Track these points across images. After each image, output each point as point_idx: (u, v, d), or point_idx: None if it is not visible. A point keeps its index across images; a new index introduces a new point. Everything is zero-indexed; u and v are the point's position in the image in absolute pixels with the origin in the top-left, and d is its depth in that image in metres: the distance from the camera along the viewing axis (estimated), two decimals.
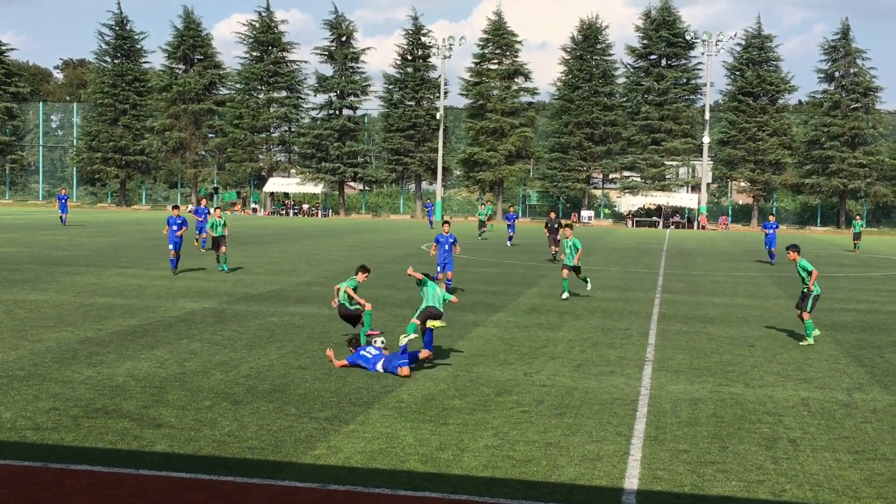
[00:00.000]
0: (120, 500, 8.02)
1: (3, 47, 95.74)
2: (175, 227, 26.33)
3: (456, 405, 11.56)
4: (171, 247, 26.22)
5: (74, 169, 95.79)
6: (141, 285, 23.07)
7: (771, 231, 37.55)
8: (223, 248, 27.34)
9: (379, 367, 13.22)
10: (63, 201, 50.93)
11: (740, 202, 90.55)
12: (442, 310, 14.24)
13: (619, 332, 17.88)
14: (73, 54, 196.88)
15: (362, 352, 13.59)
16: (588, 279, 23.92)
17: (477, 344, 16.12)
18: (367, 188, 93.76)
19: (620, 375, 13.70)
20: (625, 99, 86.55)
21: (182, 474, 8.62)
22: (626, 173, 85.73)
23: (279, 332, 16.65)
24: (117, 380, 12.33)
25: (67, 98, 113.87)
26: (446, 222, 24.72)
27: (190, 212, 44.03)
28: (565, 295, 22.98)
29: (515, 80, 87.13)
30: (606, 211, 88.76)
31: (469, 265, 31.88)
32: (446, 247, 23.31)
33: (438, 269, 23.28)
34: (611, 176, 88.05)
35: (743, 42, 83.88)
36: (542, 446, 9.86)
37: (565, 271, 23.39)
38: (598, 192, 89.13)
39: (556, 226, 34.38)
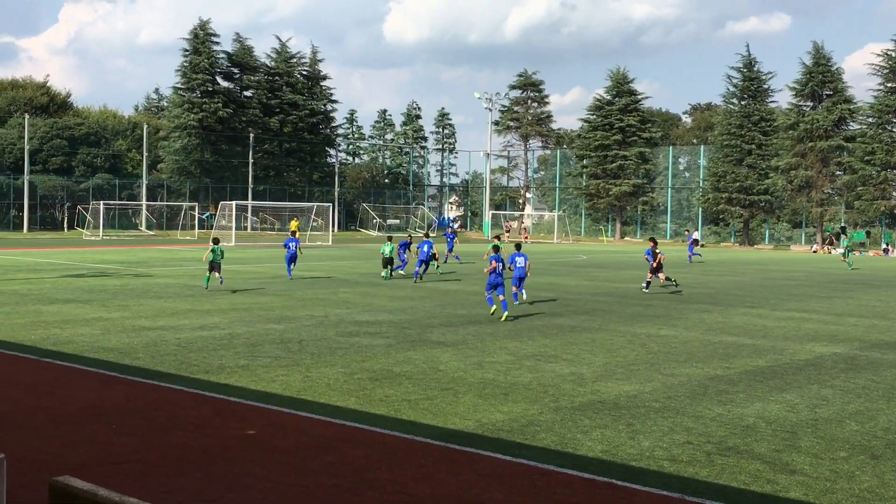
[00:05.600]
0: None
1: (639, 96, 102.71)
2: None
3: None
4: None
5: (700, 209, 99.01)
6: (766, 326, 22.86)
7: None
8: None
9: None
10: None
11: None
12: None
13: None
14: (701, 99, 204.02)
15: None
16: None
17: None
18: None
19: None
20: None
21: None
22: None
23: None
24: (747, 420, 12.30)
25: (695, 141, 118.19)
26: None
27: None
28: None
29: None
30: None
31: None
32: None
33: None
34: None
35: None
36: None
37: None
38: None
39: None
